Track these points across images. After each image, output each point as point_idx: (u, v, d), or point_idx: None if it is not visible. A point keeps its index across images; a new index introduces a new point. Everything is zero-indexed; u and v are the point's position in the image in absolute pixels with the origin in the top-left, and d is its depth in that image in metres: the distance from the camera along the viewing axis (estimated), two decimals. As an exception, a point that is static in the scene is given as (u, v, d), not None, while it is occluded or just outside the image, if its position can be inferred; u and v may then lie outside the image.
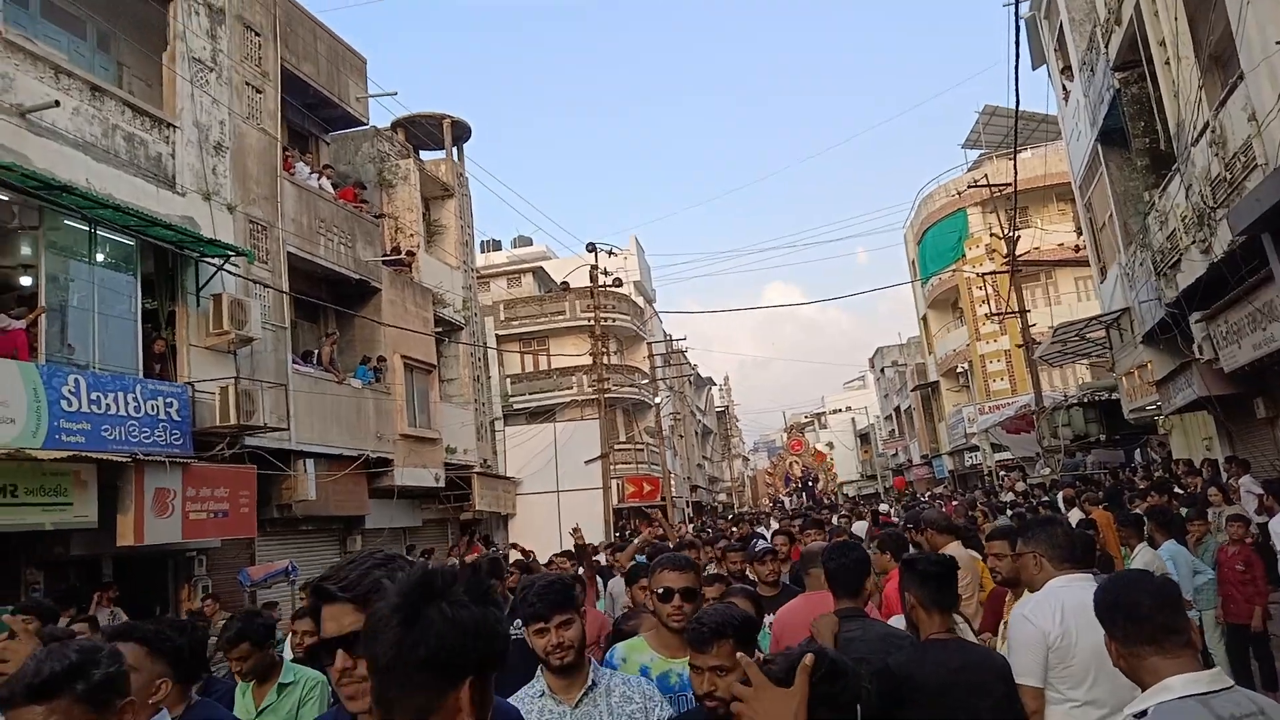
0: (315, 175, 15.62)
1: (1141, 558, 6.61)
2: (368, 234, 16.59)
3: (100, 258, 10.65)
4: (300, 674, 4.11)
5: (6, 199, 9.55)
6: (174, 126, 11.93)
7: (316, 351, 15.18)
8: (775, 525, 12.55)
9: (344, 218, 15.87)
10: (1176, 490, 11.45)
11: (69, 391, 9.43)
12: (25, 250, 10.41)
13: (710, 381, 61.21)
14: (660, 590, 3.34)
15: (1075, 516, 10.72)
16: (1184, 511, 9.35)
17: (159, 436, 10.49)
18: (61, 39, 11.72)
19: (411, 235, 18.93)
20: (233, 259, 12.11)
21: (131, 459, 10.03)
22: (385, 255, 17.33)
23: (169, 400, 10.76)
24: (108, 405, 9.86)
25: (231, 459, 11.89)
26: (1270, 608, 7.43)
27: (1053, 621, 3.06)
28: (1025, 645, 3.10)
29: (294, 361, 13.90)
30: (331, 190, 15.96)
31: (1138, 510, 8.72)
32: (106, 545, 10.30)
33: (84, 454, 9.49)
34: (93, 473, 9.81)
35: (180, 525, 10.73)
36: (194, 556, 11.99)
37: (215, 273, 11.93)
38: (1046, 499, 15.09)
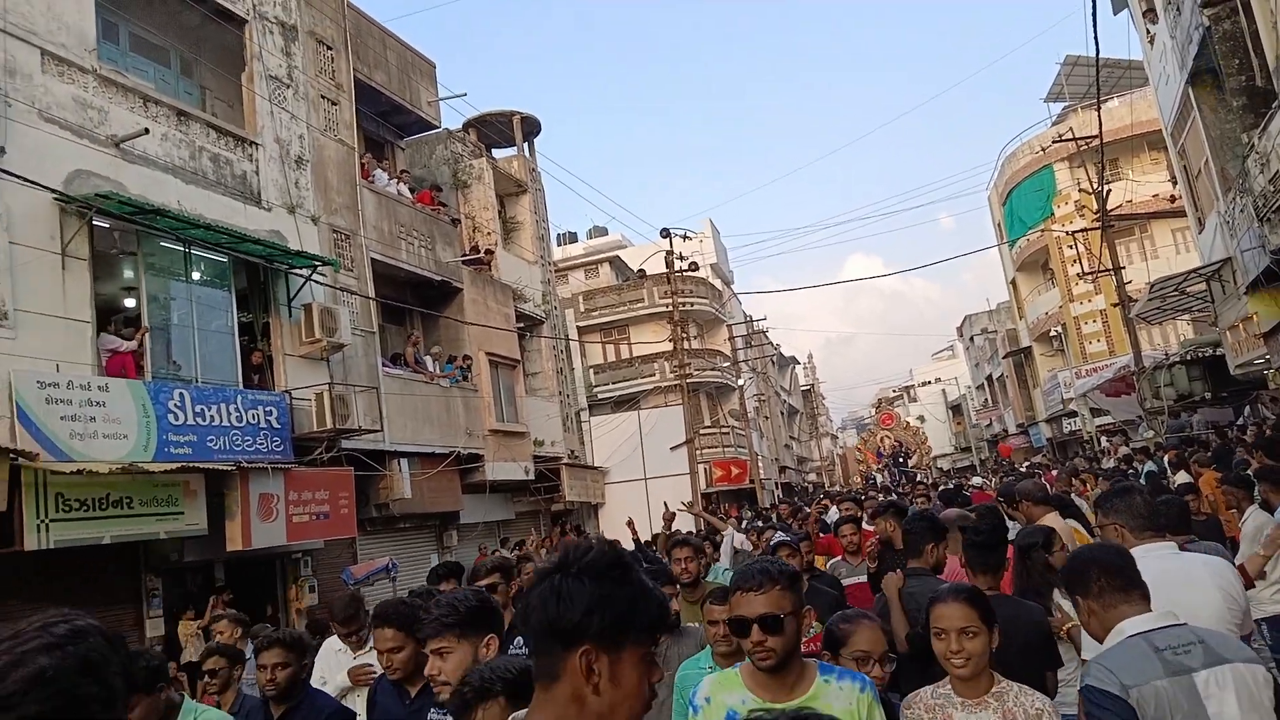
0: (393, 181, 15.99)
1: (1254, 520, 6.28)
2: (446, 235, 16.91)
3: (196, 276, 11.13)
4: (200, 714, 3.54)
5: (107, 226, 10.04)
6: (256, 144, 12.35)
7: (403, 354, 15.58)
8: (836, 512, 11.11)
9: (423, 221, 16.21)
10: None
11: (175, 406, 9.89)
12: (127, 273, 10.94)
13: (794, 360, 60.57)
14: (732, 621, 2.62)
15: (1182, 479, 10.29)
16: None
17: (260, 444, 10.92)
18: (148, 69, 12.25)
19: (489, 234, 19.21)
20: (320, 269, 12.50)
21: (236, 467, 10.48)
22: (464, 255, 17.64)
23: (268, 409, 11.19)
24: (211, 417, 10.31)
25: (330, 462, 12.30)
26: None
27: None
28: None
29: (384, 364, 14.28)
30: (409, 195, 16.31)
31: (1249, 471, 8.30)
32: (218, 550, 10.79)
33: (192, 464, 9.96)
34: (201, 482, 10.28)
35: (284, 528, 11.16)
36: (299, 558, 12.46)
37: (304, 283, 12.33)
38: (1151, 465, 14.50)
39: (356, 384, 12.92)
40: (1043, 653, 3.44)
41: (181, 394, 10.04)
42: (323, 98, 14.01)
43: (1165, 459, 14.13)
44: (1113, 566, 2.61)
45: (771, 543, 6.79)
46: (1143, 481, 12.48)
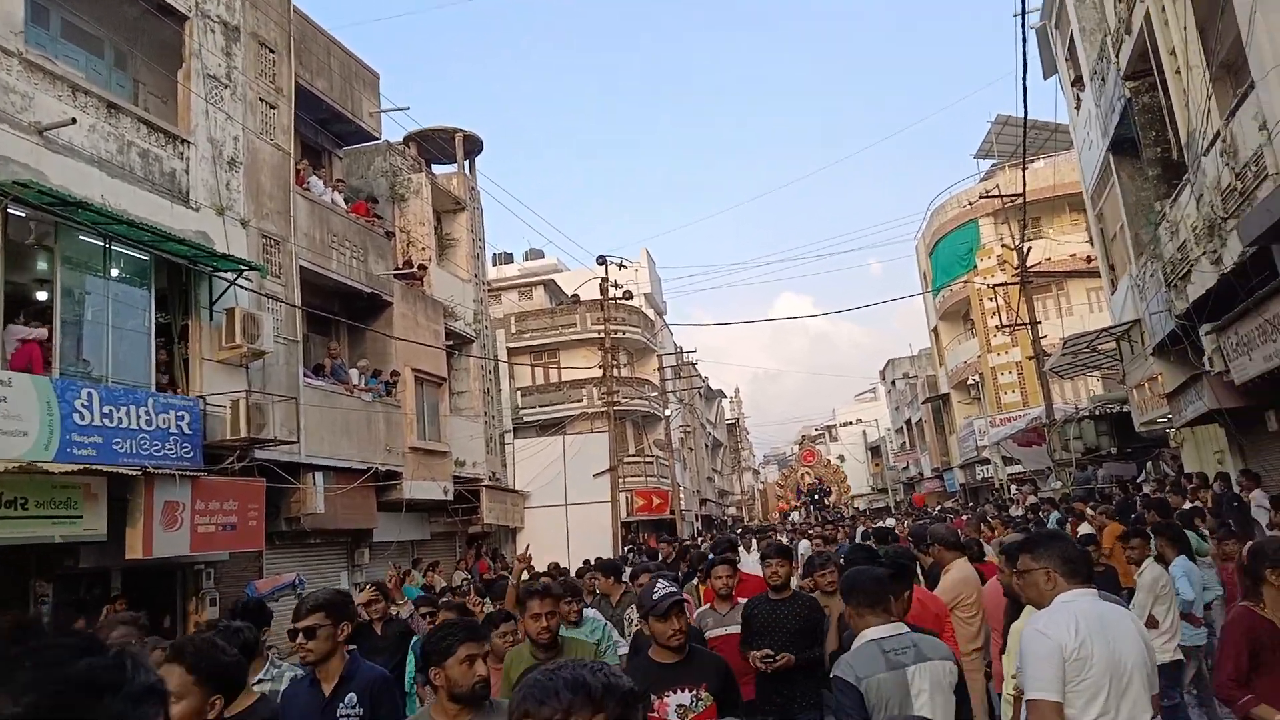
0: (328, 190, 15.74)
1: (1150, 572, 6.56)
2: (379, 248, 16.69)
3: (115, 273, 10.76)
4: None
5: (23, 215, 9.66)
6: (188, 143, 12.05)
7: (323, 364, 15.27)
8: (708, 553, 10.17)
9: (356, 231, 15.98)
10: (1185, 505, 11.37)
11: (82, 405, 9.51)
12: (41, 265, 10.52)
13: (720, 394, 61.14)
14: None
15: (1085, 530, 10.66)
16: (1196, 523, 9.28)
17: (169, 450, 10.56)
18: (80, 58, 11.87)
19: (423, 249, 19.03)
20: (246, 274, 12.21)
21: (141, 472, 10.10)
22: (397, 269, 17.43)
23: (180, 414, 10.84)
24: (120, 418, 9.94)
25: (241, 472, 11.96)
26: None
27: (1069, 633, 2.98)
28: (1043, 658, 3.00)
29: (305, 375, 13.98)
30: (344, 204, 16.07)
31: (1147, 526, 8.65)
32: (115, 558, 10.36)
33: (95, 467, 9.56)
34: (103, 486, 9.88)
35: (189, 538, 10.78)
36: (202, 569, 12.04)
37: (228, 287, 12.02)
38: (1057, 514, 15.00)
39: (275, 393, 12.61)
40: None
41: (90, 393, 9.66)
42: (261, 100, 13.76)
43: (1068, 510, 14.63)
44: (867, 589, 3.46)
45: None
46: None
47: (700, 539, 25.04)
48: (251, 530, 11.90)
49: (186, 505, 10.75)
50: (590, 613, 6.15)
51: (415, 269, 18.26)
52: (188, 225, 11.66)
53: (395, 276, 17.06)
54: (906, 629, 3.44)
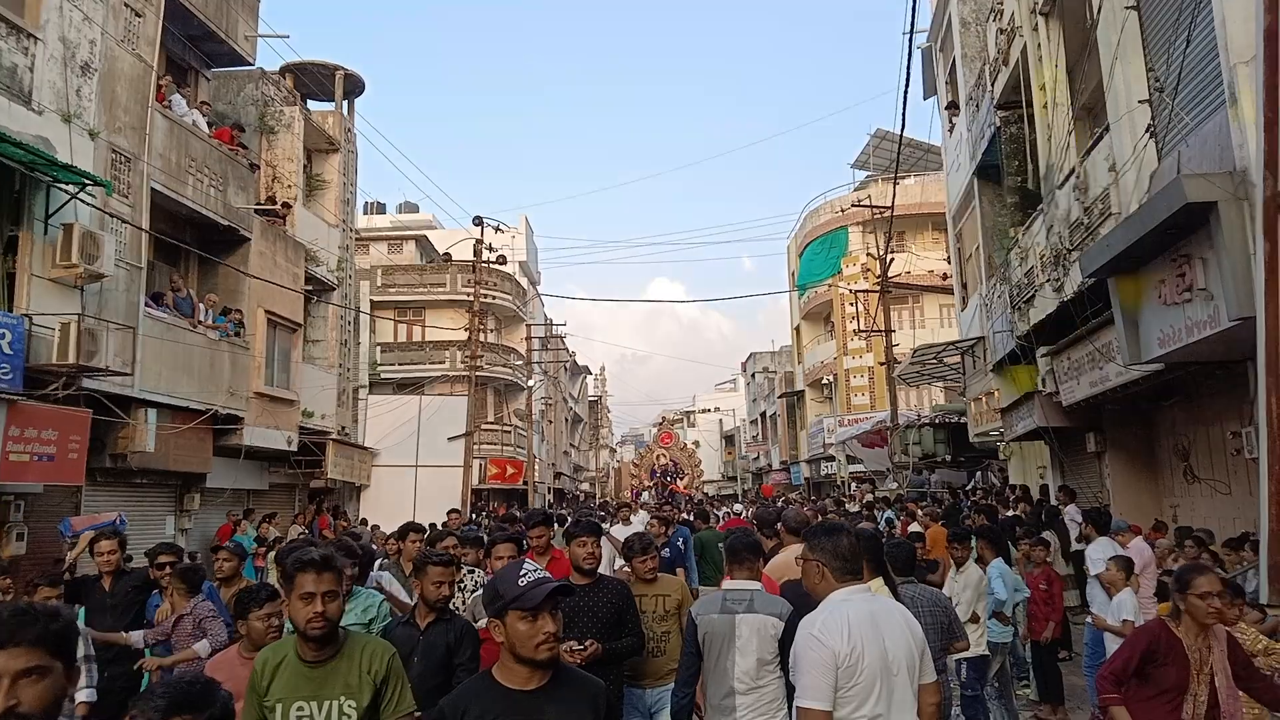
0: (192, 111, 14.77)
1: (973, 573, 7.02)
2: (242, 179, 15.80)
3: (-66, 168, 9.77)
4: None
5: None
6: (35, 38, 11.04)
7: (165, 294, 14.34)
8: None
9: (217, 159, 15.07)
10: (1005, 514, 12.18)
11: (-118, 309, 8.61)
12: None
13: (586, 370, 61.22)
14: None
15: (914, 528, 11.25)
16: (1017, 531, 9.96)
17: (-16, 368, 9.71)
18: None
19: (289, 186, 18.17)
20: (89, 188, 11.31)
21: (-51, 390, 9.25)
22: (259, 204, 16.58)
23: (1, 332, 9.98)
24: (-73, 329, 9.06)
25: (65, 400, 11.13)
26: (1077, 629, 8.03)
27: (842, 639, 3.02)
28: (815, 666, 3.01)
29: (146, 304, 13.11)
30: (207, 128, 15.12)
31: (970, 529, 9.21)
32: (-89, 480, 9.47)
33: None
34: (-98, 400, 9.00)
35: (-1, 465, 9.97)
36: (11, 500, 11.15)
37: (68, 200, 11.11)
38: (890, 513, 15.78)
39: (112, 320, 11.77)
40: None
41: (-107, 298, 8.76)
42: (126, 5, 12.75)
43: (901, 509, 15.42)
44: (735, 548, 4.38)
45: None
46: (881, 526, 13.56)
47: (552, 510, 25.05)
48: (71, 463, 11.10)
49: (-2, 430, 9.93)
50: (376, 579, 5.78)
51: (279, 207, 17.41)
52: (27, 128, 10.70)
53: (256, 212, 16.21)
54: (757, 586, 4.21)
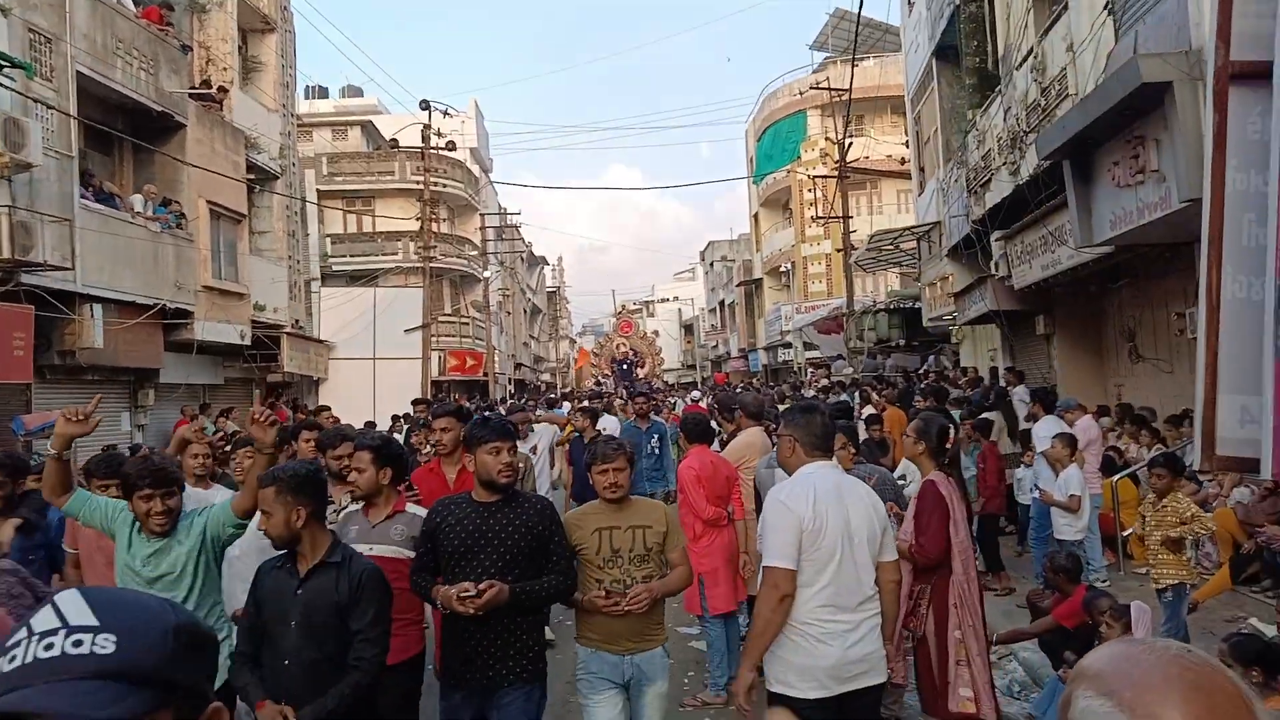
0: (113, -13, 13.89)
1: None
2: (174, 62, 15.02)
3: None
4: None
5: None
6: (-66, -96, 10.20)
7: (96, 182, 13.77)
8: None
9: (146, 40, 14.26)
10: (953, 394, 12.50)
11: None
12: None
13: (543, 261, 60.63)
14: None
15: (869, 411, 11.48)
16: (959, 414, 10.22)
17: (-88, 264, 9.33)
18: None
19: (225, 69, 17.33)
20: (7, 70, 10.67)
21: (-123, 287, 8.89)
22: (193, 88, 15.80)
23: (-75, 224, 9.55)
24: None
25: (5, 297, 10.77)
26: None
27: (807, 505, 3.24)
28: (781, 528, 3.24)
29: (81, 195, 12.60)
30: (132, 5, 14.26)
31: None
32: None
33: None
34: None
35: (-62, 364, 9.70)
36: (-43, 400, 10.93)
37: (-15, 84, 10.50)
38: (844, 396, 16.07)
39: (45, 212, 11.31)
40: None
41: None
42: None
43: (857, 393, 15.70)
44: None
45: None
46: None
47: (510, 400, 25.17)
48: (17, 360, 10.82)
49: (-67, 328, 9.62)
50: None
51: (214, 90, 16.61)
52: (-66, 5, 10.00)
53: (191, 96, 15.46)
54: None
